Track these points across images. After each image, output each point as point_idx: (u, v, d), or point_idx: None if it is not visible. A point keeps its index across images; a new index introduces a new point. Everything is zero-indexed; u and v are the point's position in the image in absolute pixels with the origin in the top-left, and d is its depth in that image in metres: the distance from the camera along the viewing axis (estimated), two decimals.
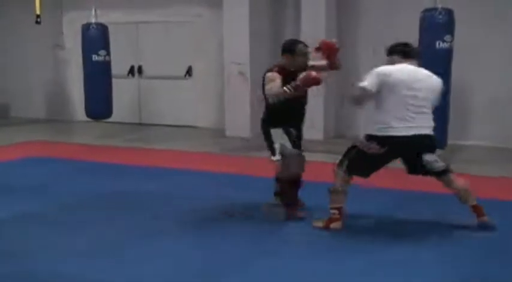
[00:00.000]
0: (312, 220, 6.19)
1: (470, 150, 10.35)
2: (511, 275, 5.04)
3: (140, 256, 5.46)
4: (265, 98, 6.28)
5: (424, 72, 6.11)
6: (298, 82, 5.85)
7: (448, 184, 6.11)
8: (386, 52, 6.20)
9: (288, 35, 12.06)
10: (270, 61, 11.59)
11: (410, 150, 5.95)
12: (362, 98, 6.01)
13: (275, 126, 6.32)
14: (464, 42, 9.45)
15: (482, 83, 10.66)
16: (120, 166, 9.48)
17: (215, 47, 12.66)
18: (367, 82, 5.82)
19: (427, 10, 8.97)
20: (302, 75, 5.86)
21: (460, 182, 6.11)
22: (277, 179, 6.46)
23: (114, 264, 5.26)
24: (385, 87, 5.79)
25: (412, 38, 9.01)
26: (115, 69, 12.17)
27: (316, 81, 5.85)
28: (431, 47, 8.76)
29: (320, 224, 6.05)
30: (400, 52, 6.14)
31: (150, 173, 8.91)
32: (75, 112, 14.39)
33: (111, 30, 11.89)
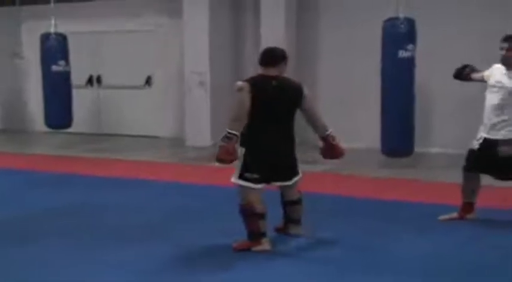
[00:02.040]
0: None
1: (435, 157, 10.43)
2: None
3: (95, 267, 5.40)
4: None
5: None
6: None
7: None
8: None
9: (248, 45, 12.11)
10: (230, 70, 11.73)
11: None
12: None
13: (242, 144, 5.67)
14: (426, 51, 9.52)
15: (446, 90, 10.74)
16: (78, 177, 9.36)
17: (175, 57, 12.61)
18: None
19: (388, 20, 9.02)
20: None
21: None
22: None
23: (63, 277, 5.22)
24: None
25: (375, 47, 9.13)
26: (74, 79, 12.06)
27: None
28: (393, 56, 8.83)
29: None
30: None
31: (109, 183, 8.84)
32: (34, 122, 14.19)
33: (71, 40, 11.78)
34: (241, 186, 5.64)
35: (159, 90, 13.26)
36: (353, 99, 11.36)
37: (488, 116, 6.29)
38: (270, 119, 5.66)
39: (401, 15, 8.90)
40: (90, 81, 13.93)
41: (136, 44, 13.31)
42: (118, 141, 13.03)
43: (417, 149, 9.35)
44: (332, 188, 7.94)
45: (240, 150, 5.63)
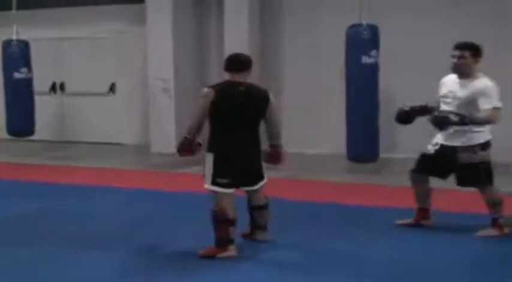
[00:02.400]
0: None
1: (401, 163, 10.48)
2: None
3: (54, 275, 5.39)
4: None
5: None
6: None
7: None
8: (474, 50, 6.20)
9: (213, 50, 12.13)
10: (194, 76, 11.72)
11: None
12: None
13: (209, 150, 5.71)
14: (390, 57, 9.61)
15: (409, 96, 10.81)
16: (42, 185, 9.28)
17: (139, 63, 12.56)
18: (498, 102, 6.03)
19: (352, 26, 9.07)
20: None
21: None
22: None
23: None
24: None
25: (338, 53, 9.19)
26: (38, 86, 11.96)
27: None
28: (357, 62, 8.89)
29: (492, 232, 6.24)
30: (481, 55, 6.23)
31: (73, 191, 8.76)
32: None
33: (34, 47, 11.68)
34: (214, 192, 5.65)
35: (123, 97, 13.19)
36: (318, 105, 11.41)
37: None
38: (238, 125, 5.71)
39: (364, 22, 8.96)
40: (53, 88, 13.81)
41: (100, 51, 13.23)
42: (82, 149, 12.93)
43: (382, 154, 9.41)
44: (298, 194, 7.95)
45: (207, 156, 5.66)
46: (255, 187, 5.94)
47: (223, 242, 5.66)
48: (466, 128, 6.05)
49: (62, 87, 13.81)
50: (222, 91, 5.67)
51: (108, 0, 12.84)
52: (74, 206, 7.80)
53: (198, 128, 5.66)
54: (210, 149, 5.68)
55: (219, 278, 5.27)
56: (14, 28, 11.32)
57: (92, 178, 9.78)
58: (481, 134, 6.11)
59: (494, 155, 6.26)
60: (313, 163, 10.43)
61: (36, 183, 9.38)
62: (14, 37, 11.35)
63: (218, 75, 11.91)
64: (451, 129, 6.12)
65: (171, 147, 11.75)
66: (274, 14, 11.78)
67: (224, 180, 5.64)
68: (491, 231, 6.26)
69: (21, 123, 11.68)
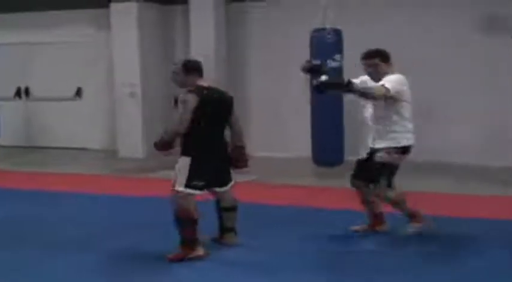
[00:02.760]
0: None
1: None
2: None
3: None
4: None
5: None
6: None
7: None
8: (380, 57, 6.32)
9: (179, 54, 12.15)
10: (162, 81, 11.70)
11: None
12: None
13: (186, 154, 5.75)
14: (354, 60, 9.67)
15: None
16: (6, 190, 9.19)
17: (105, 68, 12.52)
18: (392, 85, 6.02)
19: (316, 30, 9.12)
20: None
21: None
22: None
23: None
24: (408, 95, 6.19)
25: (303, 57, 9.22)
26: (2, 91, 11.90)
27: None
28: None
29: (414, 229, 6.32)
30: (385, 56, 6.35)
31: (38, 197, 8.72)
32: None
33: None
34: (183, 193, 5.67)
35: (90, 102, 13.13)
36: (284, 109, 11.47)
37: (372, 127, 6.43)
38: (214, 128, 5.85)
39: (328, 26, 9.00)
40: (18, 93, 13.71)
41: (66, 56, 13.15)
42: (48, 154, 12.84)
43: (347, 157, 9.48)
44: (265, 197, 7.97)
45: (183, 160, 5.71)
46: (226, 187, 6.06)
47: (190, 242, 5.71)
48: (388, 129, 6.17)
49: (27, 92, 13.71)
50: (204, 96, 5.71)
51: (72, 4, 12.76)
52: (40, 211, 7.76)
53: (178, 136, 5.70)
54: (187, 152, 5.72)
55: (191, 278, 5.34)
56: None
57: (59, 183, 9.73)
58: (403, 135, 6.18)
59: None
60: (280, 167, 10.48)
61: (1, 189, 9.30)
62: None
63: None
64: (376, 132, 6.29)
65: (139, 152, 11.84)
66: (239, 20, 11.83)
67: (200, 183, 5.71)
68: (415, 225, 6.35)
69: None
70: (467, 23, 10.41)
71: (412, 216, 6.36)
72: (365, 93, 6.07)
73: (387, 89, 5.93)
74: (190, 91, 5.77)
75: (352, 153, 9.92)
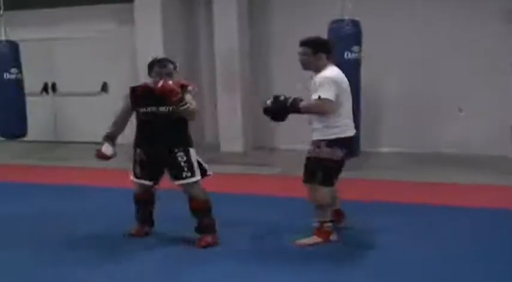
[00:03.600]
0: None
1: (383, 157, 10.61)
2: None
3: (59, 275, 5.49)
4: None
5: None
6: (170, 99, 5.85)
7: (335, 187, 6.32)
8: (311, 47, 6.03)
9: (202, 49, 12.24)
10: (185, 74, 11.74)
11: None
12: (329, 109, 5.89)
13: (191, 145, 6.14)
14: (372, 52, 9.70)
15: (392, 91, 10.95)
16: (36, 185, 9.37)
17: (129, 63, 12.63)
18: (330, 94, 5.81)
19: (334, 22, 9.11)
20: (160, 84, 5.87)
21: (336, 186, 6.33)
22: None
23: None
24: (340, 92, 5.89)
25: None
26: (29, 87, 12.02)
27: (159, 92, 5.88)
28: (340, 58, 8.92)
29: (313, 240, 6.03)
30: (330, 52, 6.09)
31: (67, 191, 8.86)
32: None
33: (24, 48, 11.73)
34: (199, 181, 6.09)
35: (115, 97, 13.16)
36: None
37: (312, 122, 6.16)
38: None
39: (346, 17, 9.01)
40: (45, 88, 13.89)
41: (90, 51, 13.31)
42: (74, 149, 12.99)
43: (364, 149, 9.51)
44: (288, 190, 7.99)
45: (191, 151, 6.07)
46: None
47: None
48: (320, 123, 5.97)
49: (54, 87, 13.89)
50: None
51: (97, 0, 12.90)
52: (67, 206, 7.91)
53: None
54: (190, 144, 6.09)
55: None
56: (3, 29, 11.38)
57: (86, 178, 9.85)
58: (334, 130, 5.92)
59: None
60: (293, 159, 10.47)
61: (29, 184, 9.47)
62: (3, 38, 11.41)
63: (209, 72, 12.09)
64: (313, 126, 6.09)
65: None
66: (263, 12, 11.87)
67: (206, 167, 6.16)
68: (313, 239, 6.05)
69: (13, 125, 11.72)
70: (494, 14, 10.39)
71: (320, 229, 6.07)
72: (310, 112, 5.98)
73: (329, 102, 5.77)
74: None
75: (368, 144, 10.00)
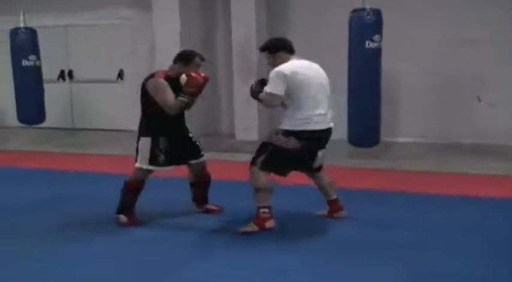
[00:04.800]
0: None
1: (403, 147, 10.55)
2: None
3: (79, 259, 5.53)
4: (145, 105, 6.39)
5: (315, 64, 6.31)
6: (188, 88, 6.09)
7: (317, 178, 6.44)
8: (268, 50, 6.24)
9: (219, 37, 12.18)
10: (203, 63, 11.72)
11: (320, 145, 6.19)
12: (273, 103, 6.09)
13: (146, 134, 6.37)
14: (393, 41, 9.63)
15: (412, 80, 10.88)
16: (54, 172, 9.42)
17: (146, 50, 12.61)
18: (276, 88, 5.92)
19: (355, 10, 9.02)
20: (189, 78, 6.11)
21: (327, 177, 6.46)
22: (125, 182, 6.55)
23: (53, 266, 5.34)
24: (294, 85, 5.92)
25: (342, 37, 9.21)
26: (46, 73, 12.05)
27: (204, 82, 6.14)
28: (360, 47, 8.89)
29: (250, 228, 6.06)
30: (286, 48, 6.25)
31: (85, 178, 8.90)
32: (6, 118, 14.15)
33: (41, 34, 11.75)
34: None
35: (132, 84, 13.20)
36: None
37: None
38: None
39: (367, 6, 8.91)
40: (62, 75, 13.92)
41: (107, 38, 13.32)
42: (91, 136, 13.03)
43: (383, 138, 9.45)
44: (302, 178, 7.99)
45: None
46: None
47: None
48: (284, 113, 6.05)
49: (71, 74, 13.91)
50: None
51: None
52: (89, 192, 7.98)
53: None
54: (147, 133, 6.45)
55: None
56: (21, 16, 11.40)
57: (104, 165, 9.88)
58: (293, 122, 5.96)
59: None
60: None
61: (47, 170, 9.54)
62: (22, 25, 11.43)
63: (225, 59, 12.04)
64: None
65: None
66: (281, 3, 11.80)
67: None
68: (250, 226, 6.09)
69: (31, 111, 11.78)
70: None
71: (257, 217, 6.07)
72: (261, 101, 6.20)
73: (272, 96, 5.94)
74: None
75: (387, 133, 9.94)
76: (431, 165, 9.07)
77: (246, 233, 6.02)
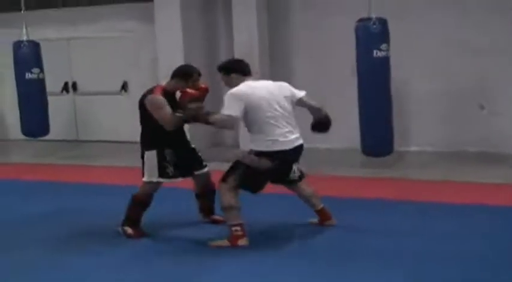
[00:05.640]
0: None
1: (414, 156, 10.48)
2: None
3: (83, 270, 5.56)
4: (145, 119, 6.54)
5: (271, 83, 6.34)
6: (181, 104, 6.21)
7: (297, 190, 6.49)
8: (223, 71, 6.32)
9: (222, 47, 12.14)
10: (205, 74, 11.69)
11: (293, 160, 6.25)
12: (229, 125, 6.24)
13: (150, 148, 6.43)
14: (401, 49, 9.60)
15: (422, 89, 10.82)
16: (58, 184, 9.38)
17: (149, 62, 12.58)
18: (231, 110, 5.91)
19: (361, 20, 8.97)
20: (181, 94, 6.28)
21: (309, 188, 6.50)
22: (132, 196, 6.54)
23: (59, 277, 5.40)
24: (251, 107, 5.94)
25: (348, 47, 9.16)
26: (50, 86, 12.03)
27: (201, 94, 6.31)
28: (368, 56, 8.84)
29: (223, 243, 6.05)
30: (239, 70, 6.26)
31: (89, 190, 8.87)
32: (10, 131, 14.11)
33: (44, 47, 11.73)
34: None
35: (136, 96, 13.07)
36: (331, 100, 11.34)
37: None
38: None
39: (373, 16, 8.85)
40: (65, 88, 13.89)
41: (110, 50, 13.29)
42: (96, 148, 12.99)
43: (397, 147, 9.37)
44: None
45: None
46: None
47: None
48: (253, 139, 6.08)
49: (74, 87, 13.88)
50: None
51: None
52: (93, 204, 7.95)
53: None
54: (152, 146, 6.53)
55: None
56: (24, 29, 11.37)
57: (108, 177, 9.85)
58: (259, 143, 5.99)
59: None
60: (328, 157, 10.42)
61: (52, 182, 9.51)
62: (24, 38, 11.41)
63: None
64: None
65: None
66: (282, 10, 11.76)
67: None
68: (224, 242, 6.08)
69: (35, 124, 11.74)
70: None
71: (230, 236, 6.05)
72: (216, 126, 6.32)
73: (227, 118, 5.93)
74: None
75: (399, 143, 9.86)
76: (441, 174, 9.02)
77: (218, 247, 6.03)
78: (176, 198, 7.34)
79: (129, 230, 6.45)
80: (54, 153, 12.37)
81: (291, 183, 6.47)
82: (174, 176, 6.40)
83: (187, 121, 6.27)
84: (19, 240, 6.54)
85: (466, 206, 7.26)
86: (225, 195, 5.98)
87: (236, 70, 6.24)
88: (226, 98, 5.94)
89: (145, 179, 6.44)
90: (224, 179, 6.04)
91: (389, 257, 5.62)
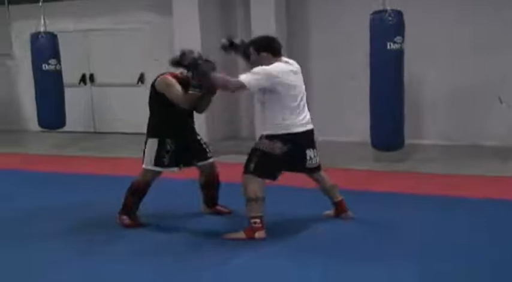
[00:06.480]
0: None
1: (426, 149, 10.45)
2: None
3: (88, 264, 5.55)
4: (153, 105, 6.70)
5: (297, 66, 6.17)
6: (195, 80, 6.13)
7: (319, 180, 6.42)
8: (253, 47, 6.17)
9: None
10: (222, 66, 11.67)
11: (307, 144, 6.16)
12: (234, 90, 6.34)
13: (153, 136, 6.52)
14: (415, 42, 9.56)
15: (435, 81, 10.79)
16: (75, 176, 9.41)
17: (166, 54, 12.55)
18: (253, 82, 5.87)
19: (376, 12, 8.93)
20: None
21: (328, 178, 6.43)
22: (131, 183, 6.59)
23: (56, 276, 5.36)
24: (279, 86, 5.86)
25: (363, 39, 9.15)
26: (67, 78, 12.08)
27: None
28: (382, 49, 8.81)
29: (239, 235, 6.01)
30: (271, 50, 6.10)
31: (107, 181, 8.90)
32: (27, 122, 14.20)
33: (62, 39, 11.79)
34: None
35: None
36: (343, 93, 11.38)
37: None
38: None
39: (388, 8, 8.82)
40: (83, 79, 13.95)
41: (127, 42, 13.33)
42: (112, 139, 13.06)
43: (407, 141, 9.35)
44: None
45: None
46: None
47: None
48: (268, 121, 6.03)
49: (92, 78, 13.95)
50: None
51: None
52: (110, 196, 7.83)
53: None
54: (154, 134, 6.67)
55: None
56: (42, 20, 11.43)
57: (125, 168, 9.82)
58: (274, 126, 5.95)
59: None
60: (339, 150, 10.40)
61: (71, 174, 9.56)
62: (42, 29, 11.47)
63: (244, 64, 11.96)
64: None
65: (202, 137, 11.83)
66: (300, 4, 11.75)
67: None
68: (240, 234, 6.00)
69: (52, 115, 11.81)
70: None
71: (249, 227, 5.98)
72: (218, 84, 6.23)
73: (239, 83, 5.93)
74: None
75: (411, 136, 9.84)
76: (453, 168, 8.99)
77: (232, 240, 5.98)
78: (181, 189, 7.57)
79: (126, 220, 6.50)
80: (71, 144, 12.44)
81: (312, 172, 6.38)
82: (169, 166, 6.43)
83: (199, 86, 6.15)
84: (35, 230, 6.58)
85: (479, 199, 7.23)
86: (248, 186, 5.94)
87: (268, 49, 6.07)
88: (259, 69, 5.87)
89: (143, 166, 6.50)
90: (245, 170, 6.01)
91: (400, 250, 5.62)
